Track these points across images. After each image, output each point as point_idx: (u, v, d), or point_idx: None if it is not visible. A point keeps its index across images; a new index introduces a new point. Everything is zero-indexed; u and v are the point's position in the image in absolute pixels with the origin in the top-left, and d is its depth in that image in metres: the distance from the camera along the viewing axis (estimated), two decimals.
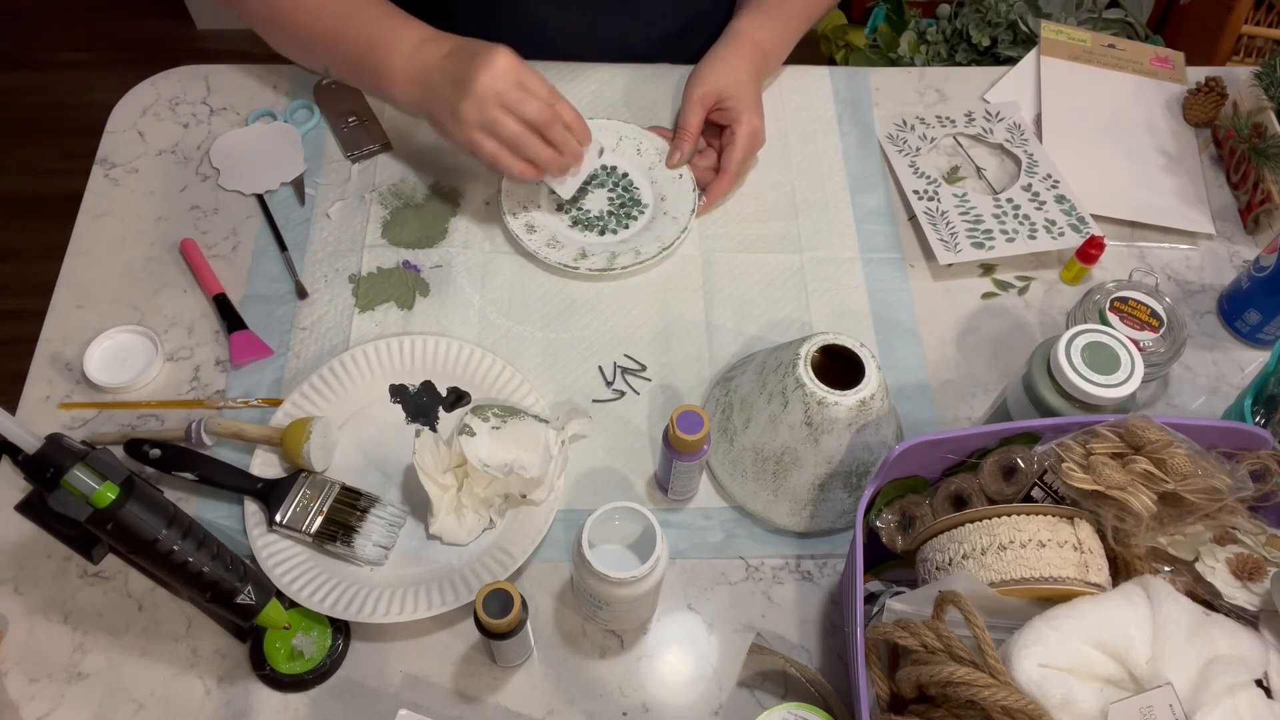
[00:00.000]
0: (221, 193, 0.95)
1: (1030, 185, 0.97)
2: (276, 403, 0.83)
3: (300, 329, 0.88)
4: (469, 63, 0.82)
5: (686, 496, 0.80)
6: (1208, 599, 0.63)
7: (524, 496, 0.77)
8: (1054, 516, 0.63)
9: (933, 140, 1.01)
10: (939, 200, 0.96)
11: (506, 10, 1.01)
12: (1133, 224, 0.97)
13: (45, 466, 0.57)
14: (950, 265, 0.92)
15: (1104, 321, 0.80)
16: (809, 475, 0.75)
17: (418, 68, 0.86)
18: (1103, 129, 1.02)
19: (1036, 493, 0.67)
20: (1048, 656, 0.57)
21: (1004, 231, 0.94)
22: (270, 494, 0.76)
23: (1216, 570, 0.63)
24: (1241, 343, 0.91)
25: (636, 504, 0.68)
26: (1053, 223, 0.94)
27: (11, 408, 0.80)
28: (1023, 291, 0.93)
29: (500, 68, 0.81)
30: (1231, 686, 0.56)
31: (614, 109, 1.02)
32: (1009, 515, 0.63)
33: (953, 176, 0.99)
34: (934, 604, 0.61)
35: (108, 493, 0.58)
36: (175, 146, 0.98)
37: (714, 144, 0.98)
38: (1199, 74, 1.06)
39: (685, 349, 0.88)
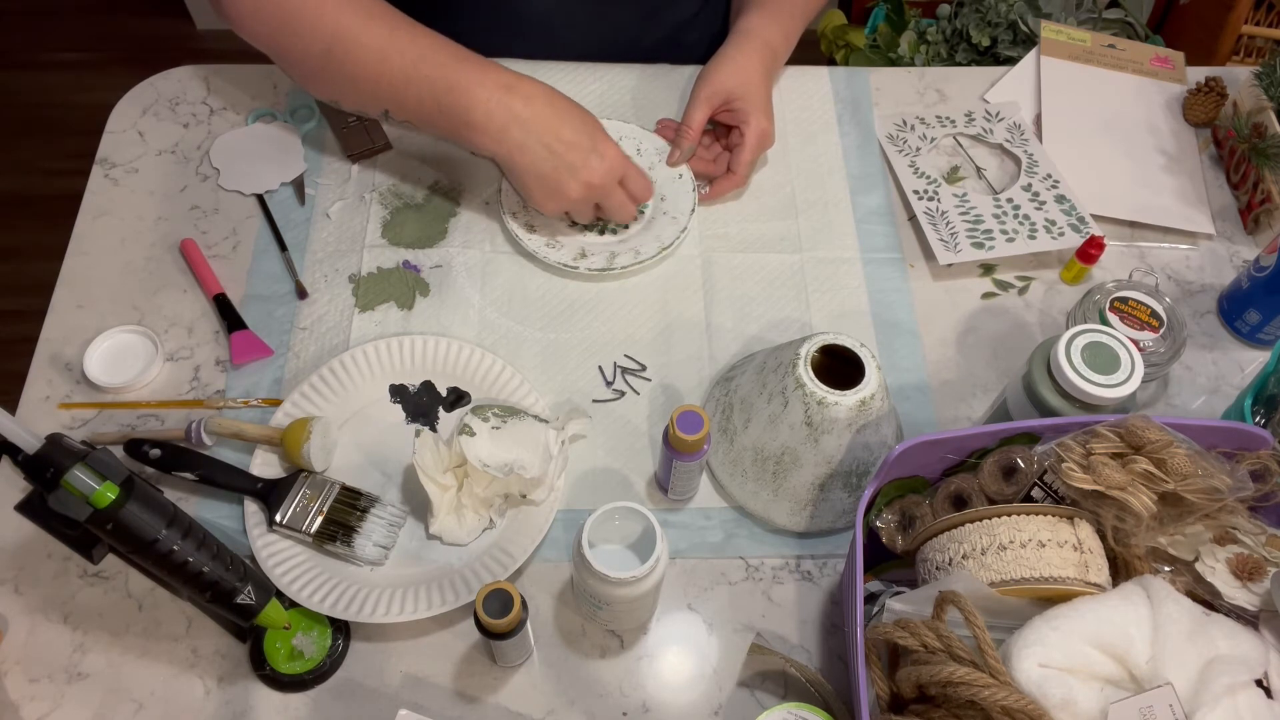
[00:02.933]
0: (221, 193, 0.96)
1: (1030, 185, 0.97)
2: (276, 403, 0.83)
3: (300, 329, 0.88)
4: (581, 150, 0.84)
5: (686, 496, 0.80)
6: (1208, 599, 0.63)
7: (524, 496, 0.77)
8: (1054, 516, 0.63)
9: (933, 140, 1.01)
10: (939, 200, 0.96)
11: (511, 4, 1.01)
12: (1133, 224, 0.97)
13: (45, 466, 0.57)
14: (950, 265, 0.92)
15: (1104, 321, 0.80)
16: (809, 475, 0.75)
17: (506, 123, 0.83)
18: (1103, 129, 1.02)
19: (1036, 493, 0.67)
20: (1048, 656, 0.57)
21: (1004, 231, 0.94)
22: (270, 494, 0.76)
23: (1216, 570, 0.63)
24: (1241, 343, 0.91)
25: (636, 504, 0.68)
26: (1053, 223, 0.94)
27: (11, 408, 0.80)
28: (1023, 291, 0.93)
29: (613, 157, 0.86)
30: (1231, 686, 0.56)
31: (620, 110, 1.02)
32: (1009, 515, 0.63)
33: (953, 176, 0.99)
34: (934, 604, 0.61)
35: (108, 493, 0.58)
36: (175, 146, 0.98)
37: (722, 141, 0.98)
38: (1199, 74, 1.06)
39: (685, 349, 0.88)
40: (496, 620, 0.65)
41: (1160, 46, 1.10)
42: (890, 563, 0.74)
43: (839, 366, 0.72)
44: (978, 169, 1.00)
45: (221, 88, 1.02)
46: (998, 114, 1.03)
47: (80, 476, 0.57)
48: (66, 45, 2.28)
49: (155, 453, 0.77)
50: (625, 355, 0.88)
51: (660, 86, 1.04)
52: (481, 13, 0.99)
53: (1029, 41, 1.40)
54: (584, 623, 0.75)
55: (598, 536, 0.71)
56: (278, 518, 0.75)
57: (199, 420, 0.80)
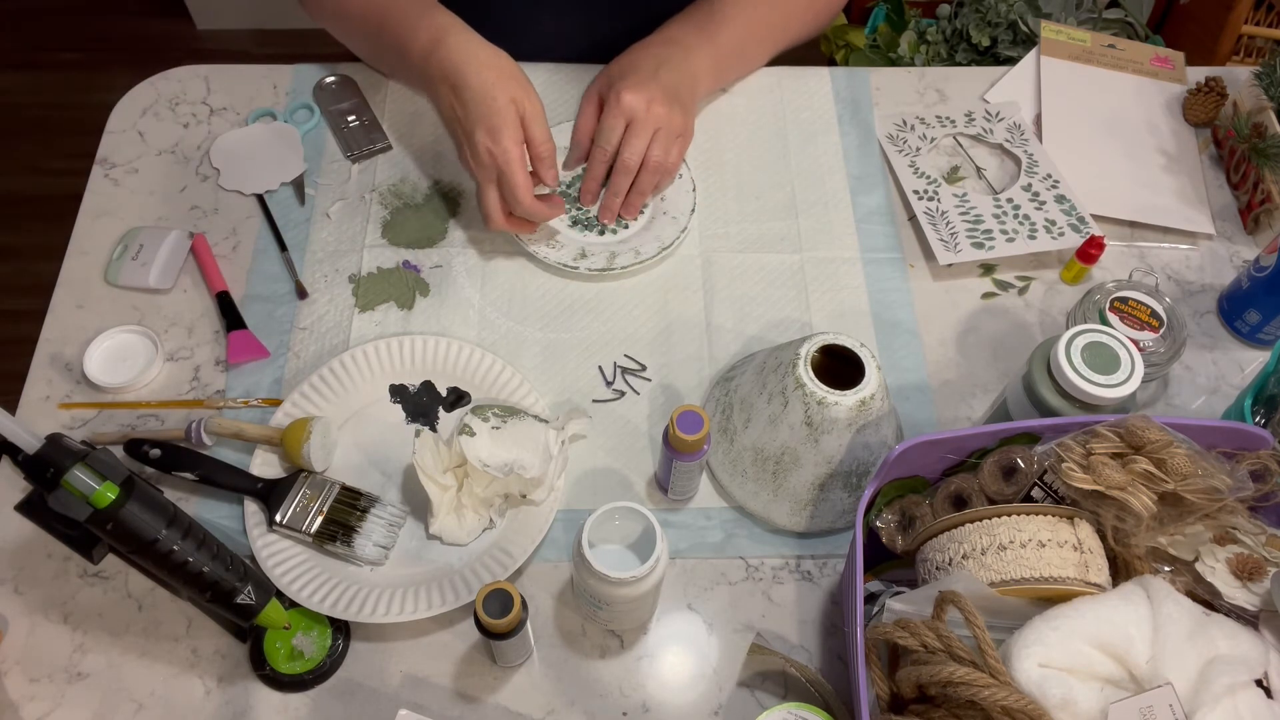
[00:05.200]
0: (221, 193, 0.96)
1: (1030, 185, 0.97)
2: (276, 403, 0.83)
3: (300, 329, 0.88)
4: (468, 126, 0.84)
5: (686, 496, 0.80)
6: (1208, 599, 0.63)
7: (524, 496, 0.77)
8: (1054, 516, 0.63)
9: (933, 140, 1.01)
10: (939, 200, 0.96)
11: (497, 17, 1.01)
12: (1133, 224, 0.97)
13: (45, 466, 0.57)
14: (950, 265, 0.92)
15: (1104, 321, 0.80)
16: (809, 475, 0.75)
17: (428, 83, 0.89)
18: (1103, 129, 1.02)
19: (1036, 493, 0.67)
20: (1048, 656, 0.57)
21: (1004, 231, 0.94)
22: (270, 494, 0.76)
23: (1216, 570, 0.63)
24: (1241, 343, 0.91)
25: (636, 504, 0.68)
26: (1053, 223, 0.94)
27: (11, 408, 0.80)
28: (1023, 291, 0.93)
29: (489, 154, 0.83)
30: (1231, 686, 0.56)
31: None
32: (1009, 515, 0.63)
33: (953, 176, 0.99)
34: (934, 604, 0.61)
35: (108, 493, 0.58)
36: (175, 146, 0.98)
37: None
38: (1199, 74, 1.06)
39: (685, 349, 0.88)
40: (496, 620, 0.65)
41: (1160, 46, 1.10)
42: (890, 563, 0.74)
43: (839, 366, 0.72)
44: (978, 169, 1.00)
45: (221, 88, 1.02)
46: (998, 114, 1.03)
47: (80, 476, 0.57)
48: (66, 45, 2.28)
49: (155, 453, 0.77)
50: (625, 355, 0.88)
51: None
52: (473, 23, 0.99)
53: (1029, 41, 1.40)
54: (584, 623, 0.75)
55: (598, 536, 0.71)
56: (278, 518, 0.75)
57: (199, 420, 0.80)
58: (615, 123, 0.89)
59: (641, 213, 0.95)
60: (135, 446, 0.77)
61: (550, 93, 1.01)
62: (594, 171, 0.92)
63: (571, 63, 1.04)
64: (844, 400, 0.71)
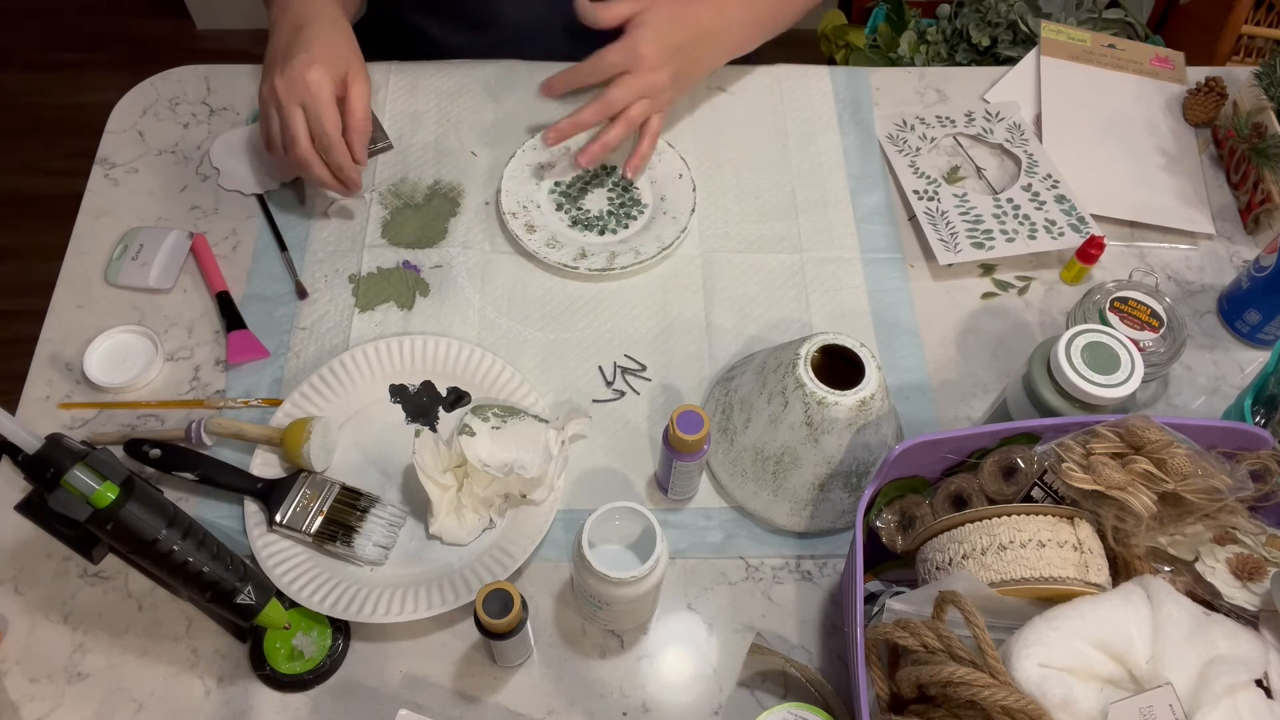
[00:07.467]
0: (221, 193, 0.95)
1: (1030, 185, 0.97)
2: (276, 403, 0.83)
3: (300, 329, 0.88)
4: (290, 54, 0.83)
5: (686, 496, 0.80)
6: (1208, 599, 0.63)
7: (524, 496, 0.77)
8: (1054, 516, 0.63)
9: (933, 140, 1.01)
10: (939, 200, 0.96)
11: (485, 10, 1.00)
12: (1133, 224, 0.97)
13: (45, 466, 0.57)
14: (950, 265, 0.92)
15: (1104, 321, 0.80)
16: (809, 475, 0.75)
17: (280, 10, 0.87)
18: (1103, 129, 1.02)
19: (1036, 493, 0.67)
20: (1048, 656, 0.57)
21: (1004, 231, 0.94)
22: (270, 494, 0.76)
23: (1216, 570, 0.63)
24: (1241, 343, 0.91)
25: (636, 504, 0.68)
26: (1053, 223, 0.94)
27: (11, 408, 0.80)
28: (1023, 291, 0.93)
29: (301, 79, 0.82)
30: (1231, 686, 0.56)
31: None
32: (1009, 515, 0.63)
33: (953, 176, 0.99)
34: (934, 604, 0.61)
35: (108, 493, 0.58)
36: (175, 146, 0.98)
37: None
38: (1199, 74, 1.06)
39: (685, 349, 0.88)
40: (496, 620, 0.65)
41: (1160, 46, 1.10)
42: (890, 563, 0.74)
43: (839, 366, 0.72)
44: (978, 169, 1.00)
45: (221, 88, 1.02)
46: (998, 114, 1.03)
47: (80, 476, 0.57)
48: (66, 45, 2.28)
49: (155, 453, 0.77)
50: (625, 355, 0.88)
51: None
52: (457, 16, 0.99)
53: (1029, 41, 1.40)
54: (584, 623, 0.75)
55: (598, 536, 0.71)
56: (278, 518, 0.75)
57: (199, 420, 0.80)
58: (617, 59, 0.87)
59: (642, 213, 0.95)
60: (135, 446, 0.77)
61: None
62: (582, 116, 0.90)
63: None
64: (844, 400, 0.71)
